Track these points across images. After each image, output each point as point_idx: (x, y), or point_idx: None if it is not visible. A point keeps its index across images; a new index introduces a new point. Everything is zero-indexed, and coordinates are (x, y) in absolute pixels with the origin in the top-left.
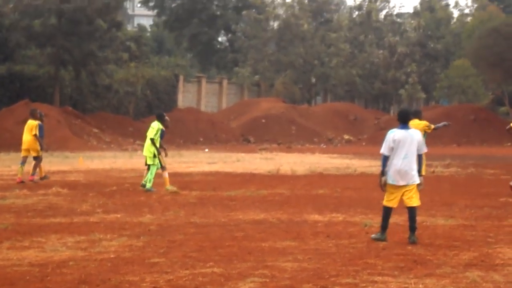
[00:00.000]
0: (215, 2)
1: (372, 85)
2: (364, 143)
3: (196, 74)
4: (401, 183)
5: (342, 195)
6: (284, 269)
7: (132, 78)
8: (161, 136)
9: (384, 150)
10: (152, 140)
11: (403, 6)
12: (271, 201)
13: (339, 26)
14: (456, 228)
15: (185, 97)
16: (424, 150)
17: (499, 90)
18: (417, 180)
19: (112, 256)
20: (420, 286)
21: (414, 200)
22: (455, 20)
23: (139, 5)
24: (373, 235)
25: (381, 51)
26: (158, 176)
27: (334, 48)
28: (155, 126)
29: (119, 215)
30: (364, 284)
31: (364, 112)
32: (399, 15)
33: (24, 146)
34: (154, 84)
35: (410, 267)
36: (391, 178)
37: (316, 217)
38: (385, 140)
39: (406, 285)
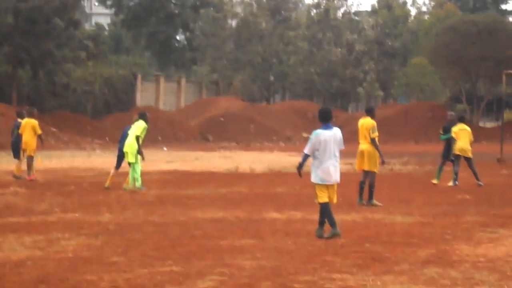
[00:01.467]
0: (173, 1)
1: (331, 83)
2: None
3: (154, 73)
4: (332, 181)
5: (301, 193)
6: (243, 267)
7: (90, 77)
8: None
9: (308, 151)
10: (137, 137)
11: (361, 4)
12: (230, 199)
13: (297, 24)
14: (414, 225)
15: (143, 96)
16: (342, 147)
17: (457, 88)
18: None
19: (70, 255)
20: (378, 283)
21: (335, 198)
22: (412, 18)
23: (96, 3)
24: (326, 234)
25: (339, 49)
26: (122, 174)
27: (292, 46)
28: (141, 125)
29: (77, 214)
30: (323, 282)
31: None
32: (357, 13)
33: (23, 146)
34: (112, 83)
35: (368, 264)
36: (321, 178)
37: (275, 215)
38: (310, 140)
39: (364, 282)
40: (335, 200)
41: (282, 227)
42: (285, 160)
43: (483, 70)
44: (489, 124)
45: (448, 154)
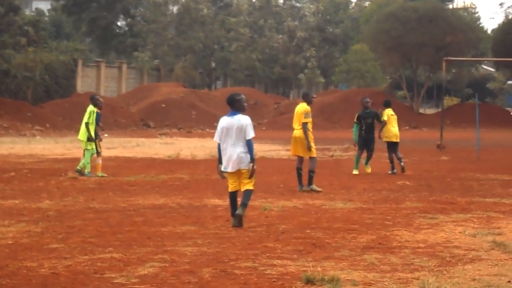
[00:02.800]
0: None
1: (272, 69)
2: (264, 128)
3: (95, 59)
4: (229, 169)
5: None
6: (184, 254)
7: (31, 63)
8: (97, 120)
9: (216, 137)
10: (87, 124)
11: None
12: (171, 186)
13: (238, 10)
14: (355, 211)
15: (84, 82)
16: (251, 135)
17: (397, 74)
18: (246, 165)
19: (10, 242)
20: (319, 269)
21: (247, 185)
22: (353, 5)
23: None
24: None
25: (280, 36)
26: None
27: (233, 33)
28: (88, 109)
29: (17, 201)
30: (263, 268)
31: (264, 96)
32: (298, 0)
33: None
34: (53, 69)
35: (309, 250)
36: (223, 165)
37: (216, 201)
38: (217, 127)
39: (304, 268)
40: (243, 188)
41: (223, 213)
42: None
43: (423, 56)
44: (429, 111)
45: (364, 144)
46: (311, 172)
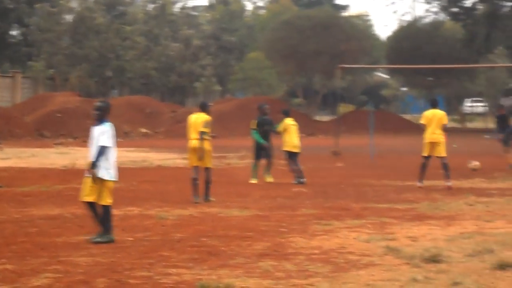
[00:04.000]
0: None
1: (168, 78)
2: (161, 136)
3: None
4: (87, 174)
5: (138, 188)
6: (78, 264)
7: None
8: None
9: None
10: None
11: None
12: (66, 196)
13: (134, 19)
14: (250, 219)
15: None
16: (103, 143)
17: (293, 82)
18: (100, 173)
19: None
20: (214, 277)
21: (102, 199)
22: (249, 13)
23: None
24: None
25: (176, 44)
26: None
27: (129, 41)
28: None
29: None
30: (158, 277)
31: (161, 105)
32: (194, 8)
33: None
34: None
35: (204, 258)
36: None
37: (112, 211)
38: None
39: (199, 277)
40: (100, 202)
41: (118, 223)
42: (123, 155)
43: (319, 64)
44: (325, 118)
45: (261, 152)
46: (208, 183)
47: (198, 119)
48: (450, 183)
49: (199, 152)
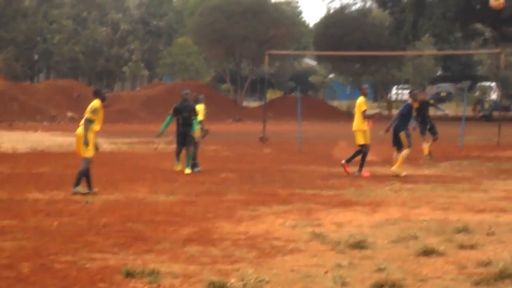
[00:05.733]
0: None
1: (96, 62)
2: None
3: None
4: None
5: (64, 173)
6: (3, 248)
7: None
8: None
9: None
10: None
11: None
12: None
13: (61, 2)
14: (177, 204)
15: None
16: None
17: (221, 68)
18: None
19: None
20: (139, 262)
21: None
22: None
23: None
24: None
25: (104, 28)
26: None
27: (57, 25)
28: None
29: None
30: (83, 261)
31: (88, 89)
32: None
33: None
34: None
35: (130, 243)
36: None
37: (37, 195)
38: None
39: (125, 262)
40: None
41: (44, 207)
42: (49, 139)
43: (247, 50)
44: (253, 104)
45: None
46: (80, 173)
47: (88, 107)
48: (359, 172)
49: (80, 140)
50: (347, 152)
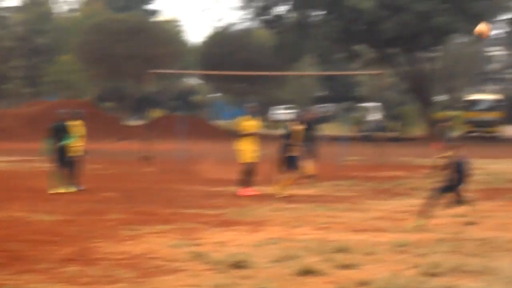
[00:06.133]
0: None
1: None
2: None
3: None
4: None
5: None
6: None
7: None
8: None
9: None
10: None
11: None
12: None
13: None
14: (57, 223)
15: None
16: None
17: (105, 86)
18: None
19: None
20: (18, 282)
21: None
22: (62, 15)
23: None
24: None
25: None
26: None
27: None
28: None
29: None
30: None
31: None
32: (5, 9)
33: None
34: None
35: (9, 263)
36: None
37: None
38: None
39: (4, 282)
40: None
41: None
42: None
43: (131, 68)
44: (137, 123)
45: (64, 159)
46: None
47: None
48: (239, 190)
49: None
50: (223, 170)
